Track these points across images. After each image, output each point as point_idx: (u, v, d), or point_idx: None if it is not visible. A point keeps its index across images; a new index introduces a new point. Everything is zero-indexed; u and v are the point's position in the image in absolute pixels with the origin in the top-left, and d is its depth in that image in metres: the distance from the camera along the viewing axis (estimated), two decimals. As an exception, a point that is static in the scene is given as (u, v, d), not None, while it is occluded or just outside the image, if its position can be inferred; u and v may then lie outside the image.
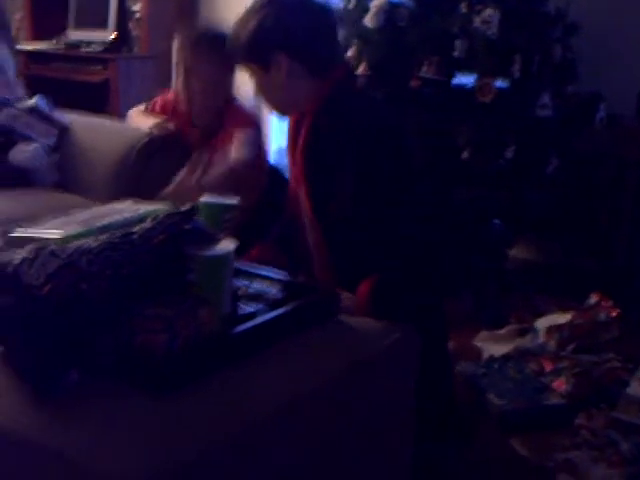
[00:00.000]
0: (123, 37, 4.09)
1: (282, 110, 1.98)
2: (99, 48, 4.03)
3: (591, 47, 3.12)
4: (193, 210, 1.41)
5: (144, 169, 2.64)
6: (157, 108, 2.64)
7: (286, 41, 1.84)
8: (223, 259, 1.40)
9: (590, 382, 2.28)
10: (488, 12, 2.85)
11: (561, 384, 2.32)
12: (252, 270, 1.69)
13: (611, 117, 3.04)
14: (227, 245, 1.43)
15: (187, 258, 1.35)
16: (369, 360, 1.56)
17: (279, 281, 1.64)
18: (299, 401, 1.37)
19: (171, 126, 2.58)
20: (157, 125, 2.59)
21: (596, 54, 3.18)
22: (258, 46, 1.86)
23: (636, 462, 2.01)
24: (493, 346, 2.59)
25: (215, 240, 1.41)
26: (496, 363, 2.47)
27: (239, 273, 1.61)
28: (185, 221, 1.37)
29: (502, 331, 2.67)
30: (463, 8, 2.91)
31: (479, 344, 2.63)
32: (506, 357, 2.50)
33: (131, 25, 4.08)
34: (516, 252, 3.12)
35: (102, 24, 4.11)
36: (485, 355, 2.55)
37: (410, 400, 1.68)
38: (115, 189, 2.55)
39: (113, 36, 4.05)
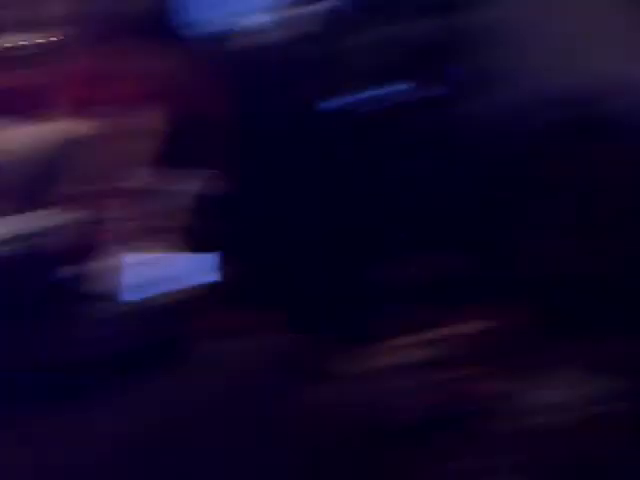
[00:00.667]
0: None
1: None
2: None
3: (523, 54, 3.11)
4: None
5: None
6: None
7: None
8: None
9: (484, 390, 2.30)
10: (418, 23, 2.89)
11: (464, 391, 2.34)
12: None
13: (541, 126, 3.00)
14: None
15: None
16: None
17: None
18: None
19: None
20: None
21: (527, 61, 3.16)
22: None
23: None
24: (404, 354, 2.60)
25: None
26: (402, 372, 2.50)
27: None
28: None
29: (410, 340, 2.67)
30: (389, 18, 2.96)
31: (393, 352, 2.65)
32: (412, 366, 2.52)
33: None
34: (400, 267, 3.12)
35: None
36: (398, 362, 2.57)
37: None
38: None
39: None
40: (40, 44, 2.15)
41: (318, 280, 2.78)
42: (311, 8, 2.94)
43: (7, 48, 2.22)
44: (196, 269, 1.84)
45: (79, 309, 1.95)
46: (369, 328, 2.77)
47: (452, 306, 2.72)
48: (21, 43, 2.10)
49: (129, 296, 1.63)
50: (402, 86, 2.95)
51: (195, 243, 2.03)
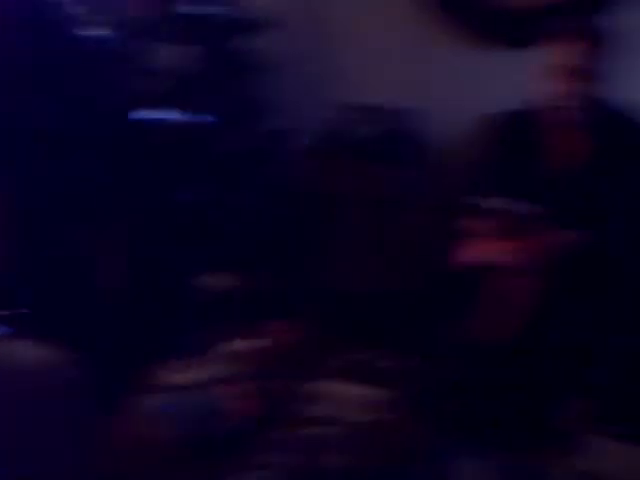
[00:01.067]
0: None
1: None
2: None
3: (284, 84, 3.32)
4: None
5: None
6: None
7: None
8: None
9: (269, 403, 2.40)
10: (173, 49, 3.00)
11: (241, 409, 2.39)
12: None
13: (303, 152, 3.22)
14: None
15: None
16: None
17: None
18: None
19: None
20: None
21: (290, 91, 3.35)
22: None
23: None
24: (181, 375, 2.60)
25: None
26: (184, 392, 2.49)
27: None
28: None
29: (196, 359, 2.68)
30: (159, 46, 3.01)
31: (168, 374, 2.62)
32: (193, 385, 2.52)
33: None
34: (209, 281, 3.17)
35: None
36: (173, 385, 2.54)
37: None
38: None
39: None
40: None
41: (114, 297, 2.74)
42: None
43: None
44: None
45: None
46: (169, 345, 2.78)
47: (245, 322, 2.77)
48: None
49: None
50: (173, 113, 2.96)
51: None
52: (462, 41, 3.27)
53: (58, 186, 2.59)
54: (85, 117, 2.67)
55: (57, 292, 2.40)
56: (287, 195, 3.19)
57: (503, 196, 2.32)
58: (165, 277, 2.95)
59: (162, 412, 2.36)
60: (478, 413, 2.22)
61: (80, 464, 1.71)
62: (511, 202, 2.25)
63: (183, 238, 2.95)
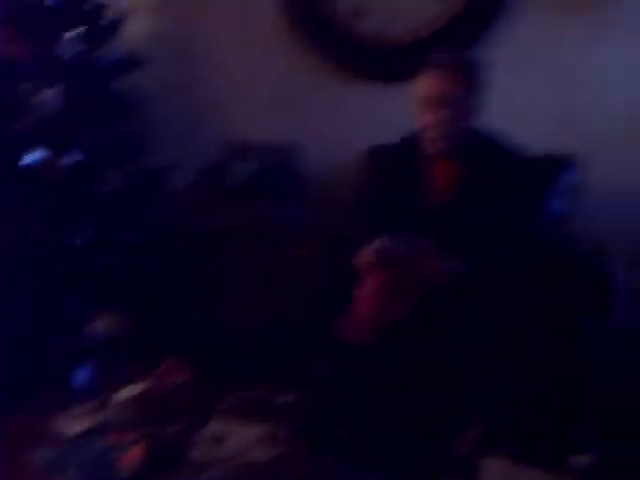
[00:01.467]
0: None
1: None
2: None
3: (159, 123, 3.33)
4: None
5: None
6: None
7: None
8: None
9: (155, 450, 2.35)
10: (50, 89, 2.93)
11: (131, 456, 2.35)
12: None
13: (181, 189, 3.22)
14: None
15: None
16: None
17: None
18: None
19: None
20: None
21: (165, 130, 3.38)
22: None
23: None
24: (74, 424, 2.53)
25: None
26: (76, 441, 2.46)
27: None
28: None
29: (85, 407, 2.61)
30: (25, 85, 2.96)
31: (59, 424, 2.58)
32: (86, 434, 2.49)
33: None
34: (100, 325, 3.11)
35: None
36: (65, 435, 2.51)
37: None
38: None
39: None
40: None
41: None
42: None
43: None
44: None
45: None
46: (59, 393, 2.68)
47: (133, 364, 2.70)
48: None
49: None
50: (40, 153, 2.89)
51: None
52: (338, 75, 3.34)
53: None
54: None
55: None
56: (170, 233, 3.16)
57: (383, 228, 2.37)
58: (51, 321, 2.88)
59: (54, 463, 2.29)
60: (374, 441, 2.24)
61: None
62: (389, 240, 2.29)
63: (68, 281, 2.88)
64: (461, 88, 2.40)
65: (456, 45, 3.11)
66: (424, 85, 2.42)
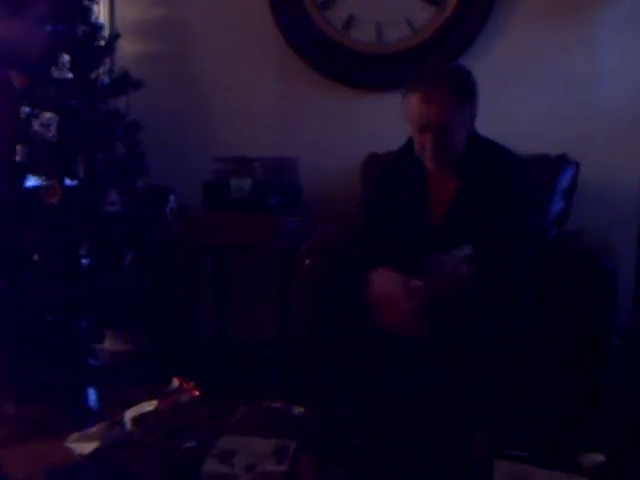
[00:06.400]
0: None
1: None
2: None
3: (157, 143, 3.34)
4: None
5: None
6: None
7: None
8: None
9: (166, 465, 2.35)
10: (47, 115, 2.96)
11: (149, 471, 2.34)
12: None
13: (181, 208, 3.22)
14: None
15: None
16: None
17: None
18: None
19: None
20: None
21: (163, 149, 3.39)
22: None
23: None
24: (83, 445, 2.52)
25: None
26: (86, 461, 2.44)
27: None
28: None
29: (93, 429, 2.61)
30: (21, 113, 2.99)
31: (71, 445, 2.55)
32: (95, 453, 2.46)
33: None
34: (104, 345, 3.12)
35: None
36: (75, 455, 2.49)
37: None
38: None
39: None
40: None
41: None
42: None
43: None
44: None
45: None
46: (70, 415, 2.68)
47: (141, 384, 2.70)
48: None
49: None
50: (34, 179, 2.91)
51: None
52: (330, 88, 3.37)
53: None
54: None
55: None
56: (168, 251, 3.17)
57: (383, 238, 2.39)
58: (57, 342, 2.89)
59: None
60: (387, 450, 2.24)
61: None
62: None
63: (72, 303, 2.89)
64: (453, 111, 2.31)
65: (447, 52, 3.14)
66: (416, 110, 2.33)
